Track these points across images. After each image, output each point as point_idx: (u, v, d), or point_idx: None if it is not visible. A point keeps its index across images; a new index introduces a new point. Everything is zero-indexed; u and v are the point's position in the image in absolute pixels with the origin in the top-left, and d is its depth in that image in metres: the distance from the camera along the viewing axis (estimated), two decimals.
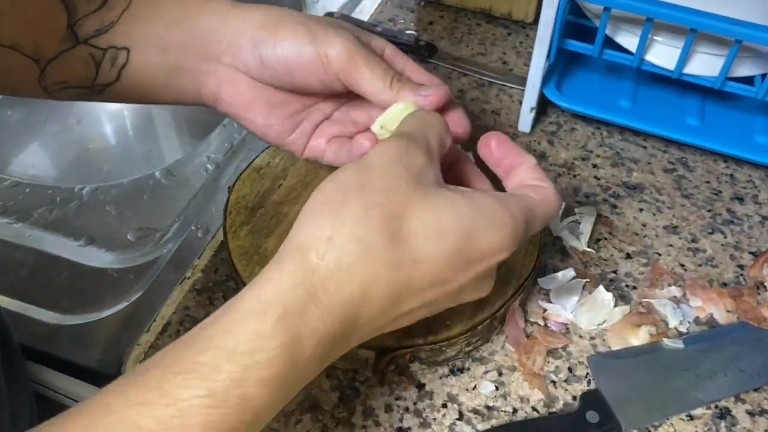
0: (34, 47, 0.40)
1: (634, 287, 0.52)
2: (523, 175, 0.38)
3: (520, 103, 0.63)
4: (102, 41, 0.42)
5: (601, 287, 0.50)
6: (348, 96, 0.46)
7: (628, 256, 0.54)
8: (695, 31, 0.53)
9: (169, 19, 0.42)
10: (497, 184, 0.41)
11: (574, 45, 0.59)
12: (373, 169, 0.33)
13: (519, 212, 0.34)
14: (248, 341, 0.28)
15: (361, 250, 0.31)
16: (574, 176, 0.61)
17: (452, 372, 0.47)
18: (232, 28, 0.42)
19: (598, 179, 0.61)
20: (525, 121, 0.64)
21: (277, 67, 0.42)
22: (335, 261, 0.30)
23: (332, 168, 0.54)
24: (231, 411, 0.27)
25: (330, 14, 0.79)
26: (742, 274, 0.53)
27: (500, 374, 0.47)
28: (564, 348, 0.48)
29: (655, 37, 0.57)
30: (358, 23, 0.76)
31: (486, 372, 0.47)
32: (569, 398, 0.45)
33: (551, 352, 0.48)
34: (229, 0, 0.43)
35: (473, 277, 0.34)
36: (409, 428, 0.44)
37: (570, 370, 0.47)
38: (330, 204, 0.32)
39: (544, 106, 0.66)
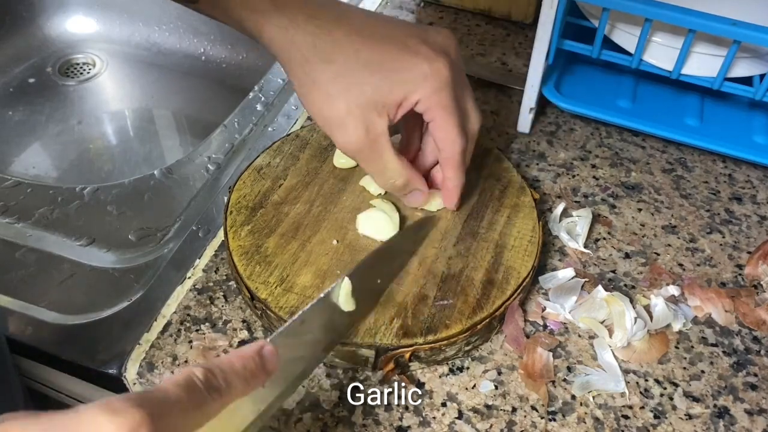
0: None
1: (633, 287, 0.52)
2: None
3: (520, 103, 0.63)
4: None
5: (600, 287, 0.50)
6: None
7: (627, 256, 0.54)
8: (694, 31, 0.53)
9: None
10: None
11: (573, 46, 0.59)
12: None
13: (130, 397, 0.29)
14: None
15: None
16: (573, 176, 0.61)
17: (452, 371, 0.47)
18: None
19: (597, 179, 0.61)
20: (524, 121, 0.64)
21: None
22: None
23: (335, 168, 0.54)
24: None
25: None
26: (740, 274, 0.53)
27: (499, 373, 0.47)
28: (563, 347, 0.48)
29: (654, 38, 0.57)
30: None
31: (485, 371, 0.47)
32: (568, 397, 0.45)
33: (550, 352, 0.48)
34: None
35: None
36: (409, 427, 0.44)
37: (569, 369, 0.47)
38: None
39: (543, 106, 0.66)
